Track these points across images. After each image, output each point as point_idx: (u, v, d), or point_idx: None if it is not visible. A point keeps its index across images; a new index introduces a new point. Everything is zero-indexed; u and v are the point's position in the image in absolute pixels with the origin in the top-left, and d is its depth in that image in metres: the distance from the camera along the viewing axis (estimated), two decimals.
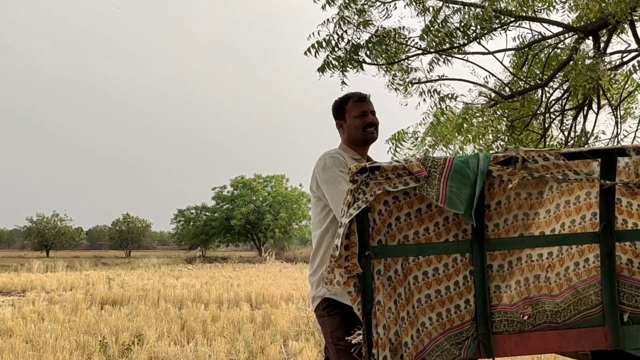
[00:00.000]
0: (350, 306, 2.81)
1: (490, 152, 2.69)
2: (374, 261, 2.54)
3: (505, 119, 7.51)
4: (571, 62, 6.72)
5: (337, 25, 6.91)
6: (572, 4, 7.29)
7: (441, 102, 7.21)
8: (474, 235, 2.60)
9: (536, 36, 7.35)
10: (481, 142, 7.45)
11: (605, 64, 6.60)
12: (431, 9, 7.10)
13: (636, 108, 7.76)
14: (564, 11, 7.35)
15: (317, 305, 3.34)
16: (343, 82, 7.03)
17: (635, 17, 5.72)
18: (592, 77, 5.97)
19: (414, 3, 7.10)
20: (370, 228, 2.56)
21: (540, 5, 7.34)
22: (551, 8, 7.26)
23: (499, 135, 7.63)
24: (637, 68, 6.08)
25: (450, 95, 7.25)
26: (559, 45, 7.45)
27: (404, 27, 7.20)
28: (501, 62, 7.75)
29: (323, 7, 6.95)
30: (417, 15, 7.14)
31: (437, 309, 2.62)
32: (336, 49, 6.97)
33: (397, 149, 7.42)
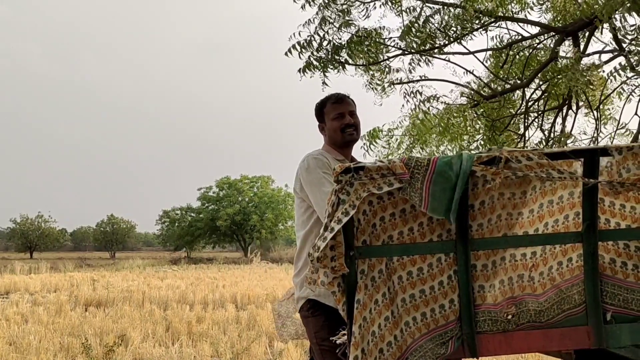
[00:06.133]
0: (333, 307, 2.80)
1: (472, 152, 2.70)
2: (358, 261, 2.54)
3: (485, 119, 7.54)
4: (554, 64, 6.76)
5: (319, 26, 6.91)
6: (548, 6, 7.34)
7: (423, 104, 7.22)
8: (458, 235, 2.60)
9: (515, 37, 7.39)
10: (460, 142, 7.49)
11: (587, 65, 6.65)
12: (410, 9, 7.10)
13: (612, 109, 7.84)
14: (540, 12, 7.40)
15: (301, 306, 3.34)
16: (324, 83, 7.03)
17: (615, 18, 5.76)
18: (581, 80, 6.01)
19: (389, 3, 7.11)
20: (354, 228, 2.55)
21: (517, 6, 7.38)
22: (528, 9, 7.30)
23: (476, 136, 7.67)
24: (619, 71, 6.11)
25: (433, 97, 7.27)
26: (538, 45, 7.50)
27: (384, 27, 7.22)
28: (482, 62, 7.79)
29: (302, 7, 6.94)
30: (397, 15, 7.15)
31: (422, 309, 2.62)
32: (319, 49, 6.96)
33: (372, 147, 7.45)
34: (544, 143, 7.56)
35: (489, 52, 7.81)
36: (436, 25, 7.03)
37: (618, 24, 5.91)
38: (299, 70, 7.02)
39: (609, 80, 6.56)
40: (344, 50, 7.06)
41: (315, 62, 7.01)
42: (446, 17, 7.02)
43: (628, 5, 5.18)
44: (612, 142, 7.15)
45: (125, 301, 15.34)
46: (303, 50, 6.90)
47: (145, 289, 18.70)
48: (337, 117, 3.51)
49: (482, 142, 7.60)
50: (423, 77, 7.45)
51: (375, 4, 7.13)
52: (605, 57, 6.95)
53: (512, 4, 7.39)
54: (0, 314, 12.81)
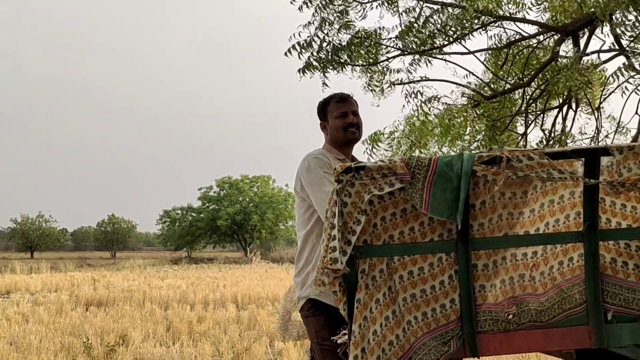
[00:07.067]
0: (334, 307, 2.80)
1: (473, 152, 2.70)
2: (359, 261, 2.54)
3: (485, 119, 7.53)
4: (554, 64, 6.76)
5: (319, 28, 6.91)
6: (546, 5, 7.32)
7: (425, 104, 7.21)
8: (458, 235, 2.60)
9: (515, 36, 7.38)
10: (460, 143, 7.48)
11: (588, 64, 6.64)
12: (409, 9, 7.09)
13: (612, 109, 7.85)
14: (539, 11, 7.38)
15: (302, 306, 3.34)
16: (324, 84, 7.03)
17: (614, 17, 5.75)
18: (580, 79, 6.00)
19: (386, 3, 7.10)
20: None
21: (513, 7, 7.37)
22: (526, 9, 7.29)
23: (476, 136, 7.66)
24: (622, 71, 6.11)
25: (433, 97, 7.26)
26: (539, 45, 7.48)
27: (383, 27, 7.21)
28: (482, 62, 7.78)
29: (300, 9, 6.94)
30: (397, 16, 7.14)
31: (423, 309, 2.62)
32: (319, 50, 6.96)
33: (374, 150, 7.43)
34: (545, 142, 7.55)
35: (489, 52, 7.80)
36: (436, 25, 7.01)
37: (619, 19, 5.90)
38: (299, 71, 7.01)
39: (611, 79, 6.55)
40: (344, 51, 7.06)
41: (315, 63, 7.00)
42: (445, 17, 7.01)
43: (625, 3, 5.18)
44: (612, 142, 7.15)
45: (126, 301, 15.35)
46: (303, 50, 6.90)
47: (146, 288, 18.70)
48: (340, 116, 3.52)
49: (483, 142, 7.59)
50: (424, 78, 7.44)
51: (372, 4, 7.12)
52: (605, 56, 6.95)
53: (510, 5, 7.38)
54: (1, 314, 12.82)
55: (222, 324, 11.33)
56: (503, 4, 7.24)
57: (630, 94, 6.51)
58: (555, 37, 7.22)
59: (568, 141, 7.17)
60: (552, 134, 7.61)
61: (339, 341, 2.81)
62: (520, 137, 7.83)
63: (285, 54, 6.85)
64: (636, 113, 6.58)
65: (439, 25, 7.01)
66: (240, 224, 57.68)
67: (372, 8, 7.15)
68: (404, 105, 7.42)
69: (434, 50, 7.23)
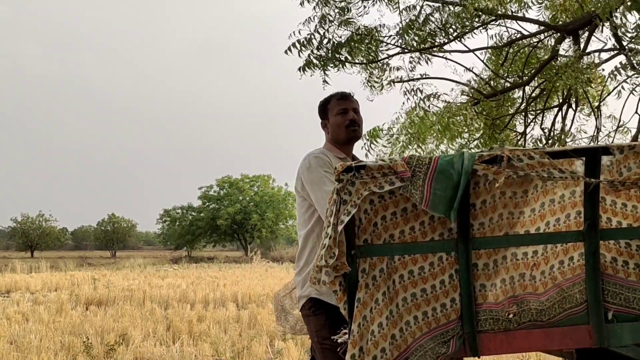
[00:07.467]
0: (335, 306, 2.80)
1: (472, 150, 2.70)
2: (359, 260, 2.54)
3: (485, 117, 7.52)
4: (554, 63, 6.75)
5: (319, 24, 6.91)
6: (547, 3, 7.32)
7: (423, 102, 7.21)
8: (459, 234, 2.60)
9: (515, 35, 7.37)
10: (459, 141, 7.48)
11: (587, 63, 6.64)
12: (409, 7, 7.09)
13: (612, 108, 7.85)
14: (540, 10, 7.38)
15: (302, 305, 3.34)
16: (325, 82, 7.02)
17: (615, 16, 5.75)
18: (581, 78, 6.00)
19: (386, 0, 7.10)
20: (356, 227, 2.55)
21: (515, 5, 7.36)
22: (526, 8, 7.28)
23: (475, 134, 7.66)
24: (620, 70, 6.11)
25: (433, 95, 7.25)
26: (539, 44, 7.48)
27: (383, 24, 7.21)
28: (482, 61, 7.78)
29: (301, 4, 6.94)
30: (398, 13, 7.13)
31: (423, 308, 2.61)
32: (319, 47, 6.96)
33: (372, 146, 7.42)
34: (545, 141, 7.55)
35: (490, 50, 7.80)
36: (437, 24, 7.01)
37: (618, 22, 5.90)
38: (299, 69, 7.01)
39: (609, 79, 6.55)
40: (344, 48, 7.05)
41: (315, 61, 7.00)
42: (446, 16, 7.01)
43: (629, 3, 5.18)
44: (612, 141, 7.14)
45: (126, 300, 15.35)
46: (303, 48, 6.90)
47: (146, 288, 18.70)
48: (341, 113, 3.53)
49: (482, 141, 7.59)
50: (423, 76, 7.43)
51: (373, 1, 7.12)
52: (605, 55, 6.95)
53: (511, 3, 7.38)
54: (1, 313, 12.81)
55: (222, 323, 11.32)
56: (504, 2, 7.24)
57: (629, 95, 6.52)
58: (556, 35, 7.22)
59: (568, 140, 7.16)
60: (552, 133, 7.60)
61: (339, 340, 2.80)
62: (519, 136, 7.83)
63: (286, 51, 6.85)
64: (636, 112, 6.58)
65: (439, 23, 7.00)
66: (241, 223, 57.68)
67: (373, 4, 7.15)
68: (403, 103, 7.43)
69: (434, 48, 7.23)
